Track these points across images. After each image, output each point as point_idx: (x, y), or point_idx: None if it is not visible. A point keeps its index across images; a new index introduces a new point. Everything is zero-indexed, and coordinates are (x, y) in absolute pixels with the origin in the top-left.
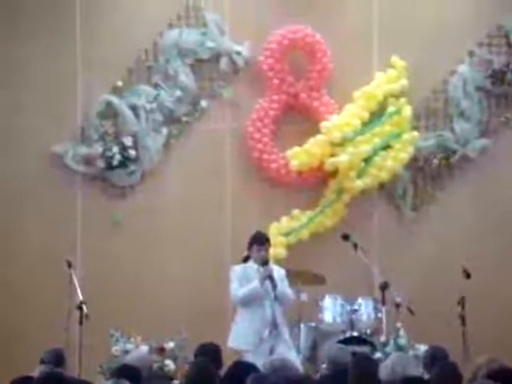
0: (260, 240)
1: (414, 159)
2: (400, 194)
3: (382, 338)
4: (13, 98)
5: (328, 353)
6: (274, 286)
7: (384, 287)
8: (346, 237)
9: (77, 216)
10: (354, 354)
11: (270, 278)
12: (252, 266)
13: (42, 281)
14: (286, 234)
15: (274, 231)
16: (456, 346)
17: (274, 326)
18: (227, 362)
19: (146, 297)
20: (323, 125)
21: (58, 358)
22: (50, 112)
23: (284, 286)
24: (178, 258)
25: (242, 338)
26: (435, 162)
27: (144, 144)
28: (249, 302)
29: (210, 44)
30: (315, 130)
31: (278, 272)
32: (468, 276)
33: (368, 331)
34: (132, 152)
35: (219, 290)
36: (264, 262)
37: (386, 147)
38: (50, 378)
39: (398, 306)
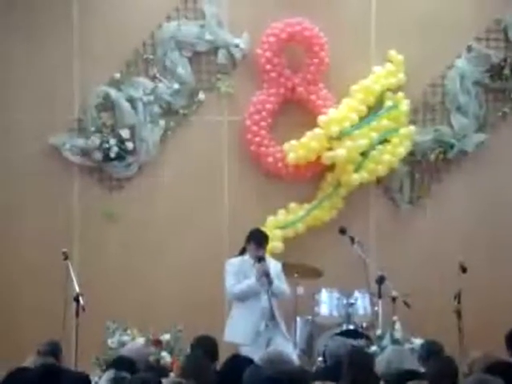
0: (258, 240)
1: (411, 153)
2: (397, 187)
3: (378, 332)
4: (10, 90)
5: (330, 346)
6: (270, 283)
7: (380, 281)
8: (342, 231)
9: (74, 208)
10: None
11: (266, 274)
12: (249, 259)
13: (39, 272)
14: (283, 228)
15: (271, 224)
16: (452, 340)
17: (271, 318)
18: (224, 355)
19: (142, 288)
20: (320, 118)
21: (54, 350)
22: (48, 104)
23: (280, 282)
24: (174, 250)
25: (238, 332)
26: (432, 156)
27: (141, 136)
28: (244, 297)
29: (208, 37)
30: (312, 124)
31: (275, 266)
32: (464, 270)
33: (364, 324)
34: (129, 144)
35: (215, 282)
36: (260, 259)
37: (384, 141)
38: (47, 370)
39: (394, 299)
